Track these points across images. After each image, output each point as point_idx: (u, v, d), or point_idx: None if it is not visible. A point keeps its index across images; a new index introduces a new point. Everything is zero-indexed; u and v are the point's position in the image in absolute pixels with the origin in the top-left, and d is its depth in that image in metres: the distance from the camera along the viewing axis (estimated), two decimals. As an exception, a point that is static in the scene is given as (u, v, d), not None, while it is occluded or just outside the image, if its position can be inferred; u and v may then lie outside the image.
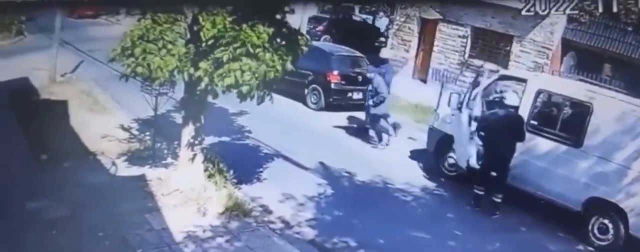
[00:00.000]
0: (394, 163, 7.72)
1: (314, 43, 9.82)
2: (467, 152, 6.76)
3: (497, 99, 6.94)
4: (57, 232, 4.94)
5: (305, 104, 10.17)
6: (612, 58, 10.53)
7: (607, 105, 6.08)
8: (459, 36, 11.89)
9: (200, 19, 5.00)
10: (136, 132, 7.65)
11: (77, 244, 4.80)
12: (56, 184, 5.69)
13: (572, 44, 10.84)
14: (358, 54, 10.79)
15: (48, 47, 9.90)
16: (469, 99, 6.91)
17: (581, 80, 9.84)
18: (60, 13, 9.11)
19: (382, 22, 14.79)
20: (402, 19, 12.40)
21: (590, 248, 5.99)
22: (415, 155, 8.14)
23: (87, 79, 9.16)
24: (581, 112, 6.24)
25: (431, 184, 7.20)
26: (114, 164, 6.54)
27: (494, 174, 6.31)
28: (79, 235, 4.94)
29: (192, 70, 5.11)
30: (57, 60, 9.42)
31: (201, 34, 5.00)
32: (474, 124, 6.68)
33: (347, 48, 11.11)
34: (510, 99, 6.61)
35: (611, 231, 5.87)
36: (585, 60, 10.70)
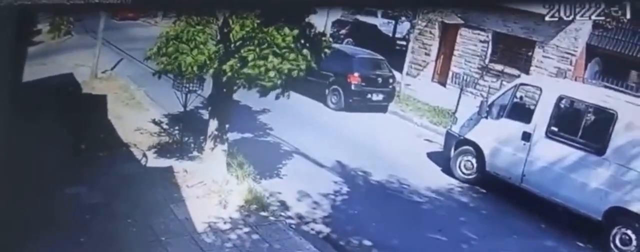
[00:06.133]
0: (410, 164, 7.82)
1: (336, 45, 9.99)
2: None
3: (517, 104, 6.94)
4: (91, 217, 5.32)
5: (325, 104, 10.36)
6: (639, 65, 10.29)
7: (633, 113, 5.98)
8: (480, 41, 11.85)
9: (231, 21, 5.30)
10: (166, 127, 8.04)
11: (107, 229, 5.15)
12: (92, 172, 6.10)
13: (598, 50, 10.64)
14: (379, 56, 10.92)
15: (92, 46, 10.46)
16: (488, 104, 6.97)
17: (606, 87, 9.65)
18: (105, 15, 9.63)
19: (403, 26, 14.87)
20: (424, 24, 12.44)
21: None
22: (431, 157, 8.22)
23: (124, 76, 9.67)
24: (605, 119, 6.15)
25: (446, 187, 7.26)
26: (144, 155, 6.94)
27: None
28: (110, 221, 5.29)
29: (218, 66, 5.41)
30: (99, 58, 9.98)
31: (231, 35, 5.30)
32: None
33: (368, 51, 11.25)
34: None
35: (634, 242, 5.75)
36: (611, 67, 10.47)
